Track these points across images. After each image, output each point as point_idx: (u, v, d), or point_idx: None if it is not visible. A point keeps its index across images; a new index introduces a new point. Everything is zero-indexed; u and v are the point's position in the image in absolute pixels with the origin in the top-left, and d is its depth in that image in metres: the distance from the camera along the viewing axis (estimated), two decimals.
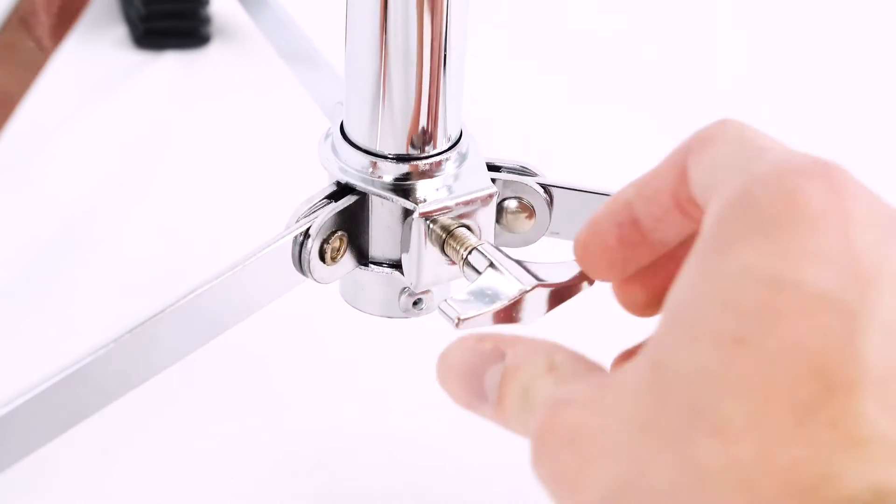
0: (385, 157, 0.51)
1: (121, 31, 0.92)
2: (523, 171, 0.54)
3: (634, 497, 0.30)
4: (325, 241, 0.51)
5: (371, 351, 0.66)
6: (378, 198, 0.51)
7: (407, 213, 0.50)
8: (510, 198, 0.53)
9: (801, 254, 0.30)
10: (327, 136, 0.54)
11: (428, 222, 0.50)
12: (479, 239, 0.50)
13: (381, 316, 0.54)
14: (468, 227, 0.50)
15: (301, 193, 0.52)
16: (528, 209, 0.54)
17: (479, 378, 0.37)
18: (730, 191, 0.32)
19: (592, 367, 0.35)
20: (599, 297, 0.43)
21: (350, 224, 0.51)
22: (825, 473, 0.28)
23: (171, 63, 0.90)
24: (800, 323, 0.29)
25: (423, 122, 0.51)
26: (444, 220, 0.50)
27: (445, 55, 0.50)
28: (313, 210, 0.50)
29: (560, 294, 0.47)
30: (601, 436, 0.31)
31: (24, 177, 0.78)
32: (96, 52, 0.90)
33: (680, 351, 0.30)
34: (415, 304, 0.54)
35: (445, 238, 0.50)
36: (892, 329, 0.29)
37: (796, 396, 0.28)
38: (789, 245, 0.30)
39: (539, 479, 0.33)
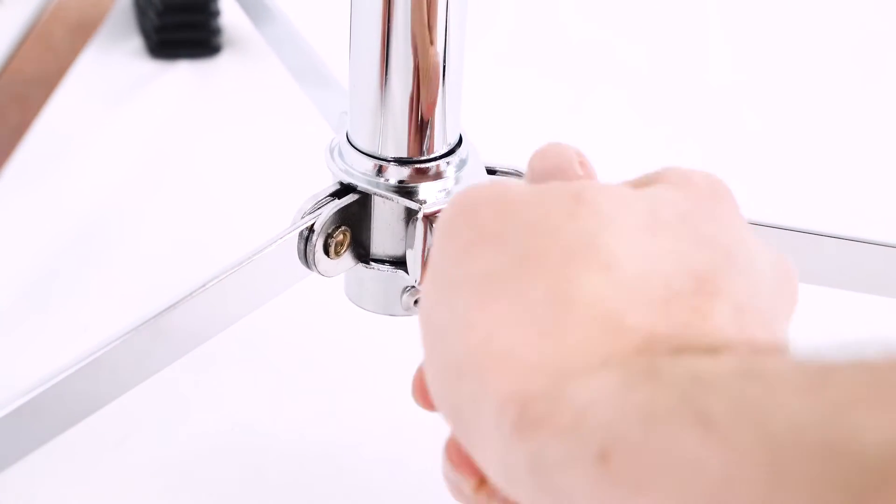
0: (389, 161, 0.53)
1: (136, 41, 0.95)
2: (518, 175, 0.54)
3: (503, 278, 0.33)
4: (330, 235, 0.52)
5: (373, 348, 0.67)
6: (380, 197, 0.52)
7: (409, 213, 0.52)
8: None
9: None
10: (333, 144, 0.55)
11: (431, 222, 0.51)
12: None
13: (384, 314, 0.55)
14: None
15: (307, 194, 0.53)
16: None
17: None
18: None
19: None
20: None
21: (353, 221, 0.52)
22: (680, 338, 0.31)
23: (184, 72, 0.92)
24: (694, 246, 0.33)
25: (424, 127, 0.52)
26: None
27: (445, 66, 0.51)
28: (318, 207, 0.52)
29: None
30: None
31: (45, 181, 0.80)
32: (113, 62, 0.92)
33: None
34: (416, 302, 0.54)
35: None
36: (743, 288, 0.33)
37: (672, 281, 0.32)
38: None
39: None
